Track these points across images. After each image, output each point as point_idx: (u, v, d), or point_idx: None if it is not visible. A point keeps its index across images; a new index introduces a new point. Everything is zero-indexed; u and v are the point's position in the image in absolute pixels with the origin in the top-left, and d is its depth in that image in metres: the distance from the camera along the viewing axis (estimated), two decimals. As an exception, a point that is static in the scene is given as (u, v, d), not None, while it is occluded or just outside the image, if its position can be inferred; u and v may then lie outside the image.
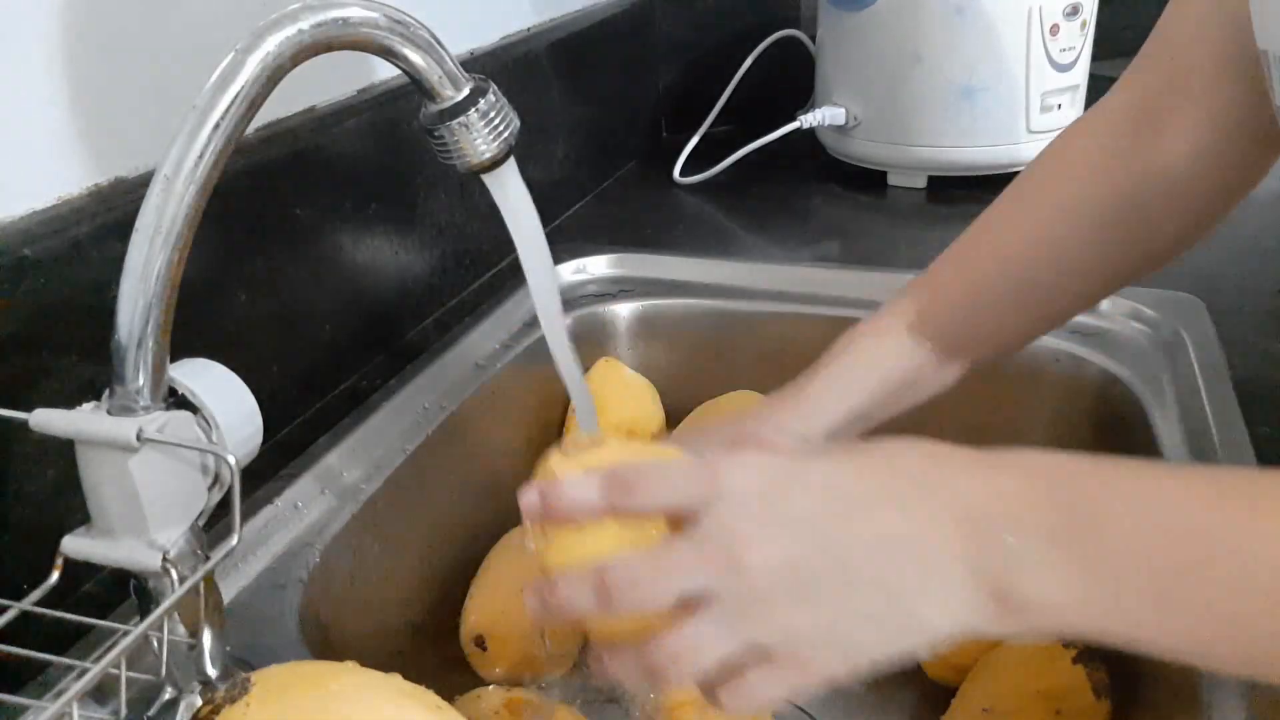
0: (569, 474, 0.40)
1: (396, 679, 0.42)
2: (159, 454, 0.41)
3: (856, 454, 0.38)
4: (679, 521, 0.38)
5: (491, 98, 0.50)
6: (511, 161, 0.52)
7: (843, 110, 1.07)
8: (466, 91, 0.49)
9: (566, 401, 0.82)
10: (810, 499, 0.36)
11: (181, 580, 0.42)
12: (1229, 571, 0.33)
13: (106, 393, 0.42)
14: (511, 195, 0.53)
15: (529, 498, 0.39)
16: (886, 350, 0.59)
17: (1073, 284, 0.59)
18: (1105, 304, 0.79)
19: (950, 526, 0.34)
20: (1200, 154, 0.54)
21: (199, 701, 0.46)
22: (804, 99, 1.20)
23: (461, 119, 0.49)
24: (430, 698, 0.42)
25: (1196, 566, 0.33)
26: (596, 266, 0.92)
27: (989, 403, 0.80)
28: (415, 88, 0.49)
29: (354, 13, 0.44)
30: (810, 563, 0.34)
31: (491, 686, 0.64)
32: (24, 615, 0.42)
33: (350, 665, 0.42)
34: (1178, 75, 0.55)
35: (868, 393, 0.58)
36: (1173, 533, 0.33)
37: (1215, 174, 0.55)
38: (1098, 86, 1.05)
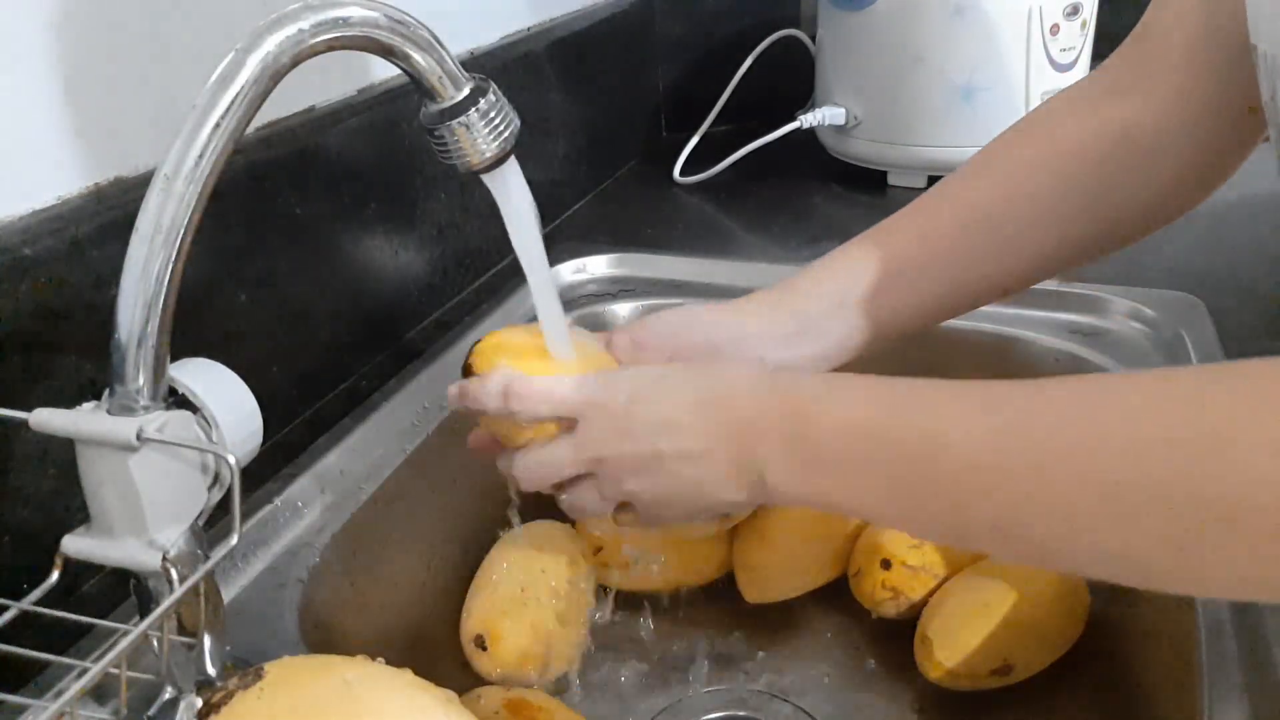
0: (490, 376, 0.54)
1: (408, 673, 0.42)
2: (159, 454, 0.41)
3: (690, 382, 0.52)
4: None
5: (492, 97, 0.50)
6: (513, 161, 0.52)
7: (843, 110, 1.07)
8: (466, 91, 0.49)
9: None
10: (648, 417, 0.51)
11: (181, 580, 0.42)
12: (888, 462, 0.45)
13: (106, 392, 0.42)
14: (513, 194, 0.53)
15: (451, 391, 0.56)
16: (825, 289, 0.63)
17: (1032, 245, 0.59)
18: (1105, 304, 0.79)
19: (727, 443, 0.50)
20: (1165, 127, 0.56)
21: (199, 702, 0.46)
22: (804, 99, 1.20)
23: (462, 119, 0.49)
24: (441, 692, 0.42)
25: (867, 459, 0.46)
26: (596, 266, 0.91)
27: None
28: (415, 87, 0.49)
29: (354, 13, 0.44)
30: (644, 461, 0.51)
31: (491, 686, 0.64)
32: (24, 615, 0.42)
33: (362, 658, 0.42)
34: (1151, 51, 0.56)
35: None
36: (852, 434, 0.46)
37: (1183, 151, 0.56)
38: (1098, 86, 1.05)
